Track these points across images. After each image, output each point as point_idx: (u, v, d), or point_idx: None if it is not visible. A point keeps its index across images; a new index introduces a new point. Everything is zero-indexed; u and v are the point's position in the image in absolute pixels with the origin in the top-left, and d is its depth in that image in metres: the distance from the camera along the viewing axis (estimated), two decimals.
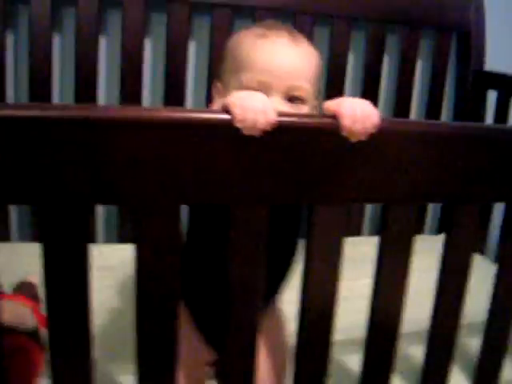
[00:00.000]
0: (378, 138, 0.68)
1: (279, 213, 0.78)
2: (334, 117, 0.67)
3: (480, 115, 1.65)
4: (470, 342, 1.03)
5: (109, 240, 1.53)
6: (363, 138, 0.67)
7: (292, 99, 0.82)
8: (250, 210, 0.69)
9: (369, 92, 1.58)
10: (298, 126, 0.66)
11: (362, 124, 0.66)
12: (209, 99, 1.38)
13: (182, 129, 0.63)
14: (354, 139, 0.67)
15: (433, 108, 1.65)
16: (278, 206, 0.71)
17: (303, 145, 0.67)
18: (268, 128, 0.63)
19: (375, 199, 0.74)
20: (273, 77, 0.80)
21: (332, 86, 1.54)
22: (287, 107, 0.81)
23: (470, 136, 0.73)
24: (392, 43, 1.61)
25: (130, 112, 0.63)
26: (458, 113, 1.68)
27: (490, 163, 0.75)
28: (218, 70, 0.91)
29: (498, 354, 0.95)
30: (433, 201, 0.78)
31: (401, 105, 1.62)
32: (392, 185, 0.72)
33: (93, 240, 1.45)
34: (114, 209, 1.49)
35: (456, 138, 0.72)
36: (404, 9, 1.56)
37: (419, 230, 1.67)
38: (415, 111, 1.69)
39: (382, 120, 0.68)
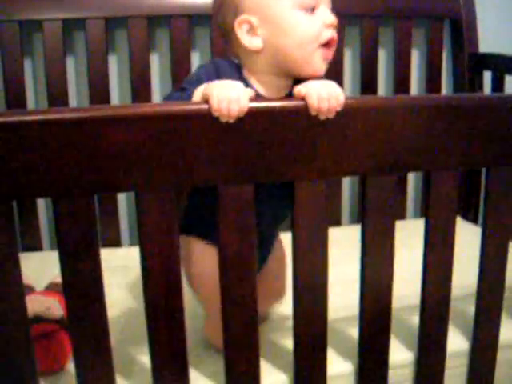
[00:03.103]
0: (346, 114, 0.76)
1: None
2: (303, 99, 0.75)
3: None
4: (469, 306, 1.08)
5: (133, 243, 1.64)
6: (331, 115, 0.75)
7: None
8: (236, 188, 0.77)
9: (367, 85, 1.64)
10: (271, 109, 0.75)
11: (328, 102, 0.74)
12: None
13: (168, 121, 0.72)
14: (322, 117, 0.75)
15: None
16: None
17: (277, 126, 0.75)
18: (241, 115, 0.72)
19: (351, 171, 0.82)
20: None
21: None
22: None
23: (426, 106, 0.80)
24: (386, 36, 1.67)
25: (123, 109, 0.73)
26: None
27: (455, 130, 0.83)
28: (234, 10, 0.88)
29: (493, 316, 1.00)
30: (407, 170, 0.85)
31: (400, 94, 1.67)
32: (365, 156, 0.80)
33: (119, 243, 1.56)
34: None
35: (414, 109, 0.80)
36: (395, 2, 1.62)
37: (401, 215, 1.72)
38: None
39: (347, 98, 0.76)
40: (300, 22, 0.86)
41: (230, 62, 0.93)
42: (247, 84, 0.89)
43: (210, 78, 0.83)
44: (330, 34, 0.87)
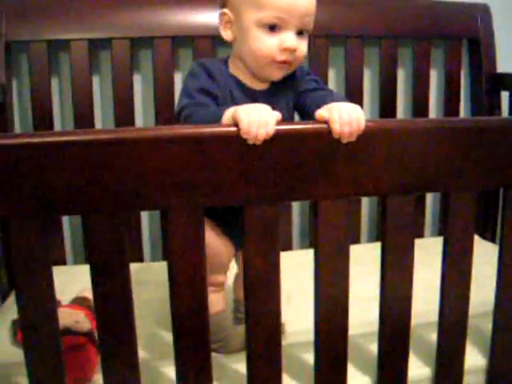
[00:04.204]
0: (366, 137, 0.79)
1: None
2: (326, 122, 0.78)
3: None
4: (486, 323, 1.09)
5: (154, 259, 1.66)
6: (352, 138, 0.78)
7: (300, 32, 0.93)
8: (261, 208, 0.80)
9: (386, 105, 1.67)
10: (296, 132, 0.78)
11: (350, 127, 0.77)
12: None
13: (198, 142, 0.75)
14: (344, 141, 0.78)
15: (450, 115, 1.72)
16: None
17: (301, 148, 0.78)
18: (268, 138, 0.75)
19: (372, 192, 0.84)
20: (290, 15, 0.91)
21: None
22: (296, 40, 0.92)
23: (444, 129, 0.83)
24: (405, 56, 1.70)
25: (155, 131, 0.76)
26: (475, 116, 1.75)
27: (473, 152, 0.85)
28: None
29: (510, 332, 1.01)
30: (426, 190, 0.87)
31: (418, 114, 1.69)
32: (385, 177, 0.82)
33: (141, 259, 1.59)
34: (158, 230, 1.62)
35: (432, 131, 0.82)
36: (413, 22, 1.65)
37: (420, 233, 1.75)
38: None
39: (368, 121, 0.79)
40: (257, 40, 0.92)
41: (214, 60, 1.03)
42: (234, 78, 0.99)
43: (205, 79, 0.95)
44: (285, 57, 0.92)
